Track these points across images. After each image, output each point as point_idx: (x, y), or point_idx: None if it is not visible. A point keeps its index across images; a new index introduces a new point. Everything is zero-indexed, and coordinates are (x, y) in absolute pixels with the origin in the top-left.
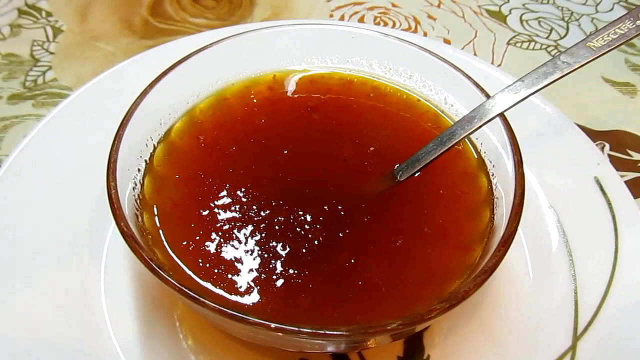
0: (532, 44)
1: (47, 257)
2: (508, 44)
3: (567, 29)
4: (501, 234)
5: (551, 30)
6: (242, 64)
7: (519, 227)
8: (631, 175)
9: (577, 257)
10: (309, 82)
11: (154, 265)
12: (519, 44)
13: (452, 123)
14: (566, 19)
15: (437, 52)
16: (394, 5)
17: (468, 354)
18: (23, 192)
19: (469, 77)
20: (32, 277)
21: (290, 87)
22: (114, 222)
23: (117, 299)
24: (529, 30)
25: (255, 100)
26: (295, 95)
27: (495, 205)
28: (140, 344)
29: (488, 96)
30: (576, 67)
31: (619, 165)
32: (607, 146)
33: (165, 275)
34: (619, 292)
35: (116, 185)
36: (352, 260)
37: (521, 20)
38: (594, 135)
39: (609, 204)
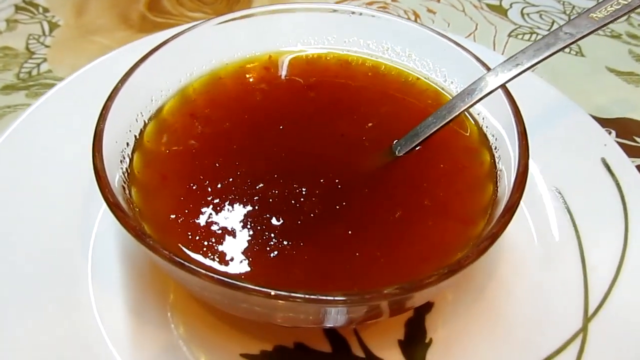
0: (534, 35)
1: (32, 244)
2: (509, 36)
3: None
4: (504, 204)
5: (552, 23)
6: (238, 45)
7: (526, 209)
8: (638, 161)
9: (586, 239)
10: (306, 62)
11: (140, 233)
12: (520, 36)
13: None
14: (567, 12)
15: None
16: (393, 0)
17: (472, 338)
18: (11, 178)
19: (468, 51)
20: (16, 264)
21: (287, 67)
22: (103, 207)
23: (105, 286)
24: (530, 23)
25: (250, 80)
26: (292, 76)
27: (498, 178)
28: (130, 333)
29: (489, 69)
30: (578, 37)
31: (626, 151)
32: (614, 133)
33: (153, 244)
34: (631, 272)
35: (102, 155)
36: (350, 232)
37: (522, 14)
38: (600, 122)
39: (617, 184)
